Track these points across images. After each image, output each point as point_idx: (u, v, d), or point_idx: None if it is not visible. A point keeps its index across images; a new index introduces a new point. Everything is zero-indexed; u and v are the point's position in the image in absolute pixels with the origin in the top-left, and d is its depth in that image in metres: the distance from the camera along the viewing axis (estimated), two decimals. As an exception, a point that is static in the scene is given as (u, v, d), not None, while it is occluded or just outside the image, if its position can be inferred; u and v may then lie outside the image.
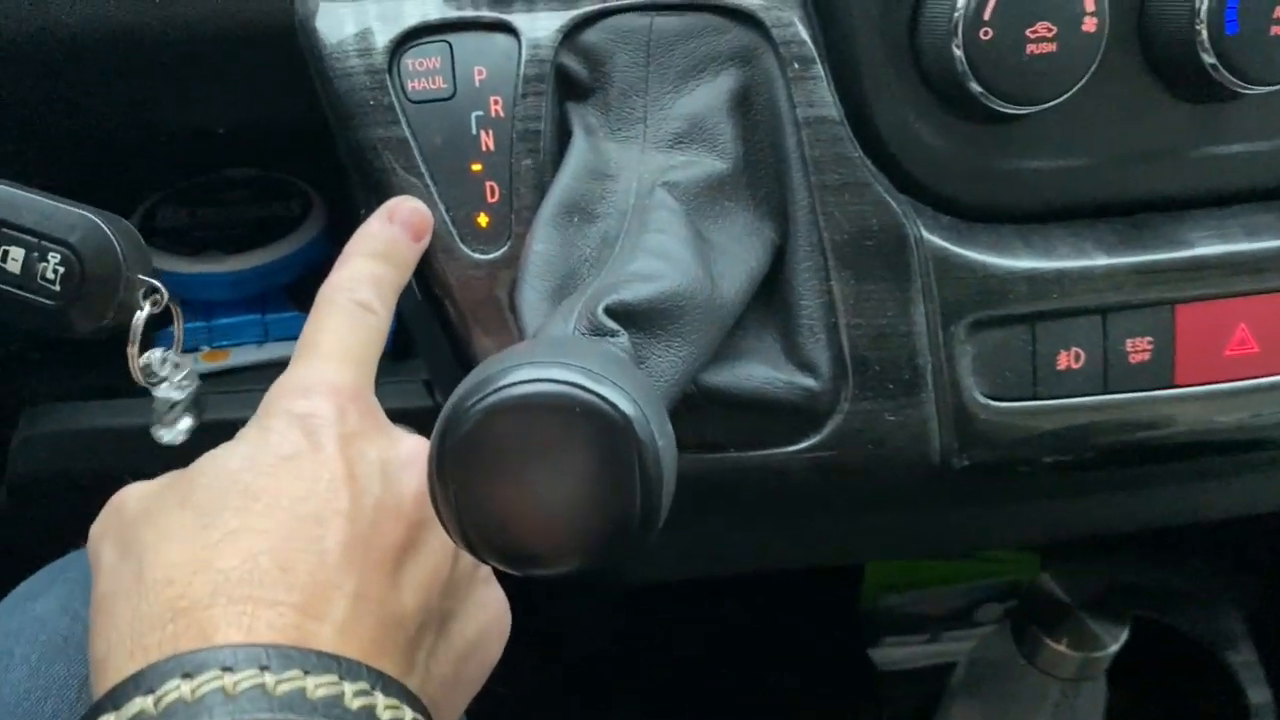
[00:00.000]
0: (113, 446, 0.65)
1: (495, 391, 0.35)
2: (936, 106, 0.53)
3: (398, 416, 0.66)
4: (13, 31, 0.52)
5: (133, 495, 0.42)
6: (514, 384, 0.35)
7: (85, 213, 0.44)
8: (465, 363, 0.56)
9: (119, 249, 0.44)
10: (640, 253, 0.47)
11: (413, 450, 0.43)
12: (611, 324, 0.44)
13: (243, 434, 0.42)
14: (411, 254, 0.51)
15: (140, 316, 0.45)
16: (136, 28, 0.53)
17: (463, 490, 0.36)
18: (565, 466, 0.35)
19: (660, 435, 0.36)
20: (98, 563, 0.41)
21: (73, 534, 0.68)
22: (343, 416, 0.42)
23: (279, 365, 0.68)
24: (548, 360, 0.36)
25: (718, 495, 0.55)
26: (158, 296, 0.46)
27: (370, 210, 0.53)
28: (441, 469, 0.36)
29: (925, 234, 0.53)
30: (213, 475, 0.40)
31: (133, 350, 0.46)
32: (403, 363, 0.69)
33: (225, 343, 0.68)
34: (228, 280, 0.67)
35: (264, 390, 0.67)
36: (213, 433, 0.63)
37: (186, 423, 0.50)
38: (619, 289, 0.45)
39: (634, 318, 0.45)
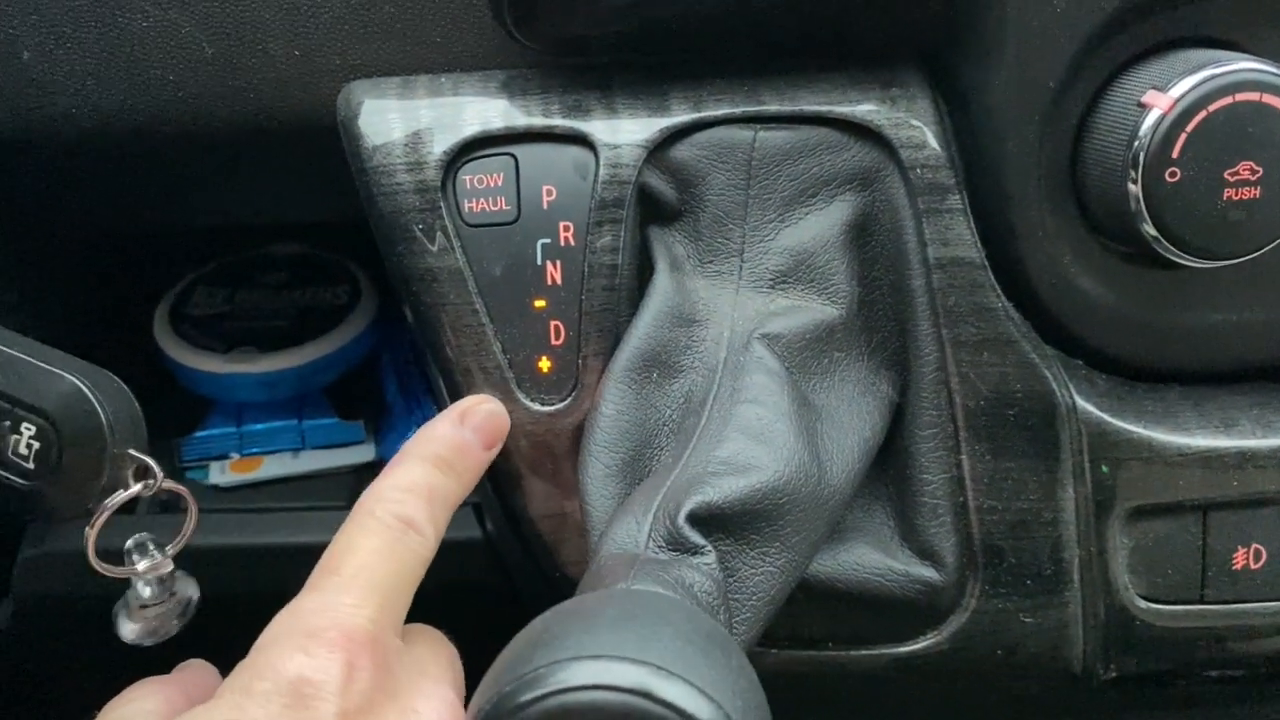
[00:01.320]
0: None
1: (544, 694, 0.27)
2: (1099, 249, 0.43)
3: (440, 551, 0.59)
4: (35, 124, 0.46)
5: None
6: (567, 689, 0.27)
7: (67, 374, 0.36)
8: (511, 515, 0.48)
9: (105, 419, 0.36)
10: (732, 432, 0.39)
11: None
12: (695, 537, 0.35)
13: (223, 693, 0.34)
14: (479, 465, 0.43)
15: (116, 498, 0.37)
16: (165, 125, 0.46)
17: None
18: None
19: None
20: None
21: (77, 658, 0.63)
22: (349, 681, 0.33)
23: (315, 478, 0.63)
24: (609, 647, 0.27)
25: (811, 696, 0.46)
26: (150, 480, 0.38)
27: (424, 345, 0.45)
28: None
29: (1079, 402, 0.43)
30: None
31: (90, 532, 0.38)
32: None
33: (257, 450, 0.61)
34: (262, 381, 0.60)
35: (299, 510, 0.61)
36: (238, 561, 0.57)
37: (155, 625, 0.41)
38: (704, 485, 0.37)
39: (723, 522, 0.37)
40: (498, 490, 0.48)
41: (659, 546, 0.35)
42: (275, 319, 0.63)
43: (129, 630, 0.41)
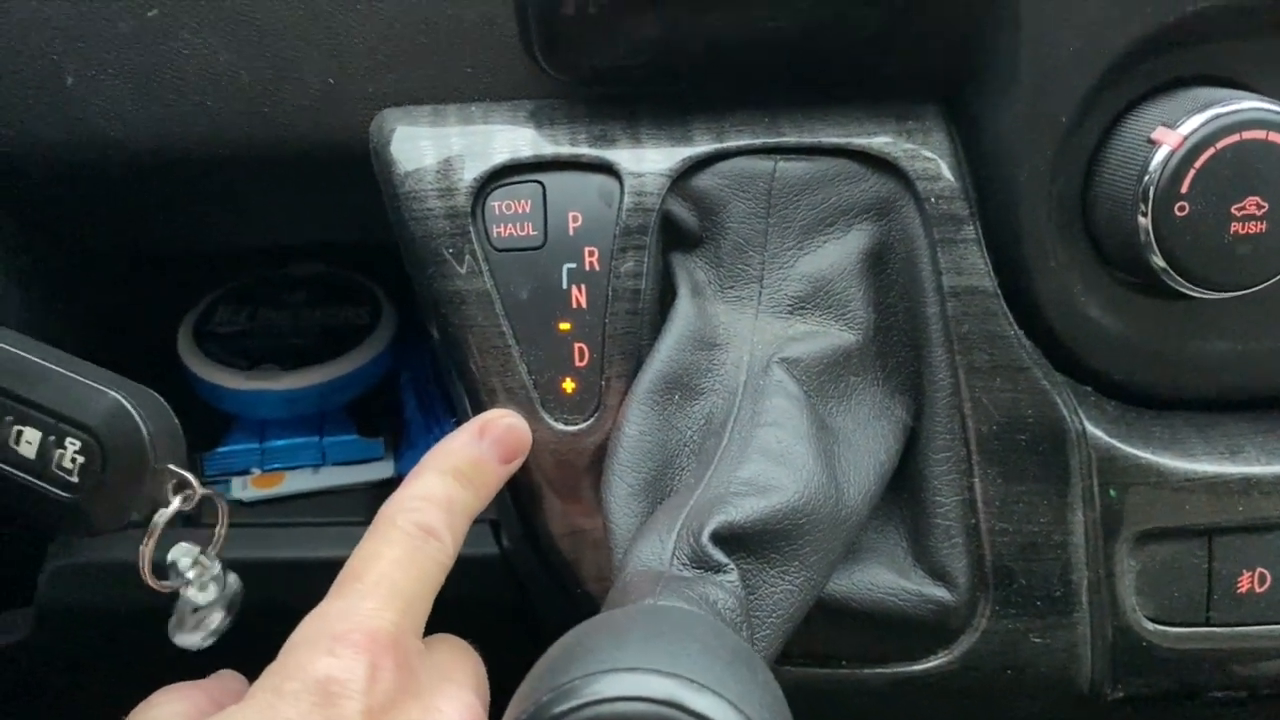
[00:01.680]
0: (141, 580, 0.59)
1: (579, 705, 0.28)
2: (1108, 280, 0.45)
3: (456, 565, 0.60)
4: (74, 147, 0.47)
5: None
6: (601, 700, 0.28)
7: (110, 390, 0.38)
8: (532, 532, 0.49)
9: (146, 435, 0.37)
10: (752, 453, 0.40)
11: None
12: (718, 555, 0.36)
13: (254, 693, 0.35)
14: (496, 479, 0.44)
15: (164, 514, 0.38)
16: (200, 148, 0.47)
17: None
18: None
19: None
20: None
21: (98, 669, 0.63)
22: (373, 680, 0.35)
23: (335, 494, 0.64)
24: (641, 660, 0.29)
25: (824, 713, 0.47)
26: (189, 492, 0.39)
27: (450, 364, 0.46)
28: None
29: (1089, 427, 0.45)
30: None
31: (145, 550, 0.39)
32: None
33: (278, 465, 0.62)
34: (285, 398, 0.61)
35: (319, 525, 0.62)
36: (258, 575, 0.58)
37: (212, 625, 0.43)
38: (726, 505, 0.38)
39: (744, 541, 0.38)
40: (519, 507, 0.49)
41: (683, 564, 0.36)
42: (297, 337, 0.64)
43: (191, 640, 0.42)
